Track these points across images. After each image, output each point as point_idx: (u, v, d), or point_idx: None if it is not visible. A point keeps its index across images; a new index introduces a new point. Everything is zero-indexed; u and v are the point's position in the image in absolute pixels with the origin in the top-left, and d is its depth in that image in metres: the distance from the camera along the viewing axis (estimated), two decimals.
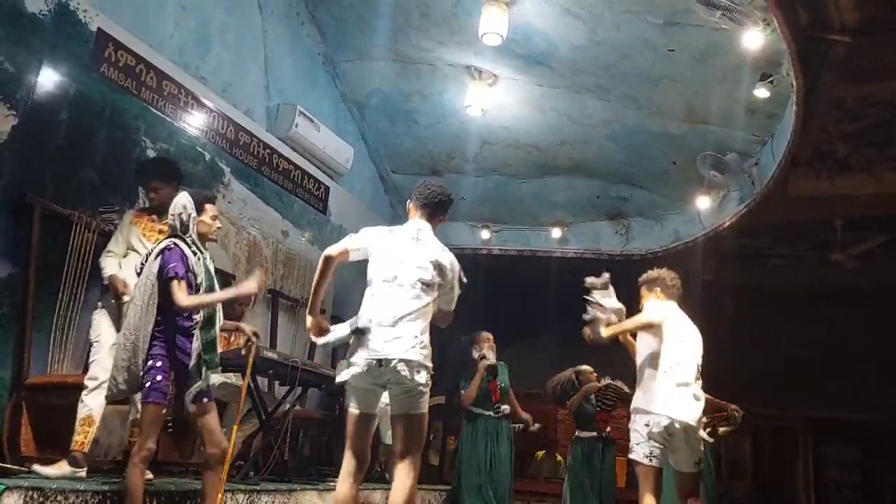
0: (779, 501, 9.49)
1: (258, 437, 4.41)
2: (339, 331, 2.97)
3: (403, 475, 2.81)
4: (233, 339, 4.65)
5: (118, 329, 3.24)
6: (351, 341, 2.91)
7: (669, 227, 7.85)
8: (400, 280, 2.91)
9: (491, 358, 5.26)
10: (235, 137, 5.58)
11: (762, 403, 8.73)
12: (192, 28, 5.20)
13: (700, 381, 3.64)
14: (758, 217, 6.71)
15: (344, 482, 2.87)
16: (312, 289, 3.00)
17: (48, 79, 4.04)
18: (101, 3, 4.38)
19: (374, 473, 5.39)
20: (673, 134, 6.47)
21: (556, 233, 8.29)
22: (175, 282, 2.86)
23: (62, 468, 3.24)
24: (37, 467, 3.19)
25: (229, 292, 3.16)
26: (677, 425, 3.49)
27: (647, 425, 3.56)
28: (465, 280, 3.10)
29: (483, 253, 8.41)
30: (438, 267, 2.98)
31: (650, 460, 3.56)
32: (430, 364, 2.88)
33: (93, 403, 3.36)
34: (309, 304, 3.03)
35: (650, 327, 3.75)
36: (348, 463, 2.90)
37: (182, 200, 3.02)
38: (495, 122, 6.77)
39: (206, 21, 5.34)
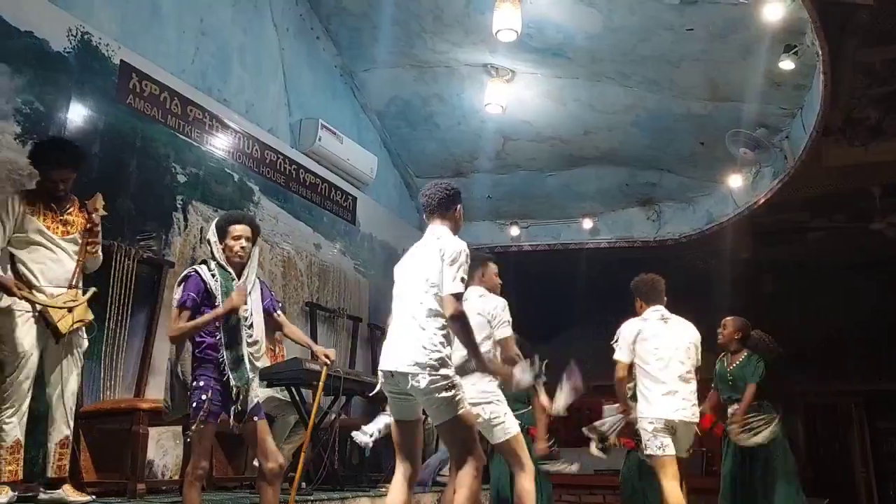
0: (835, 477, 9.26)
1: (307, 448, 4.46)
2: None
3: (461, 481, 2.82)
4: (278, 351, 4.72)
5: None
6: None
7: (702, 208, 7.72)
8: (403, 288, 2.99)
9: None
10: (262, 156, 5.67)
11: (812, 380, 8.54)
12: (211, 52, 5.30)
13: (684, 379, 4.00)
14: (793, 191, 6.56)
15: (394, 488, 2.91)
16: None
17: (77, 114, 4.16)
18: (122, 36, 4.50)
19: None
20: (698, 114, 6.37)
21: (587, 224, 8.18)
22: (176, 310, 2.94)
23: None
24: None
25: (213, 314, 2.97)
26: (676, 420, 3.92)
27: (650, 423, 3.95)
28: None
29: (513, 250, 8.36)
30: (438, 257, 2.90)
31: (663, 451, 3.94)
32: (439, 367, 2.76)
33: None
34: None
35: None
36: (397, 469, 2.94)
37: (211, 227, 3.16)
38: (516, 117, 6.74)
39: (224, 44, 5.43)
